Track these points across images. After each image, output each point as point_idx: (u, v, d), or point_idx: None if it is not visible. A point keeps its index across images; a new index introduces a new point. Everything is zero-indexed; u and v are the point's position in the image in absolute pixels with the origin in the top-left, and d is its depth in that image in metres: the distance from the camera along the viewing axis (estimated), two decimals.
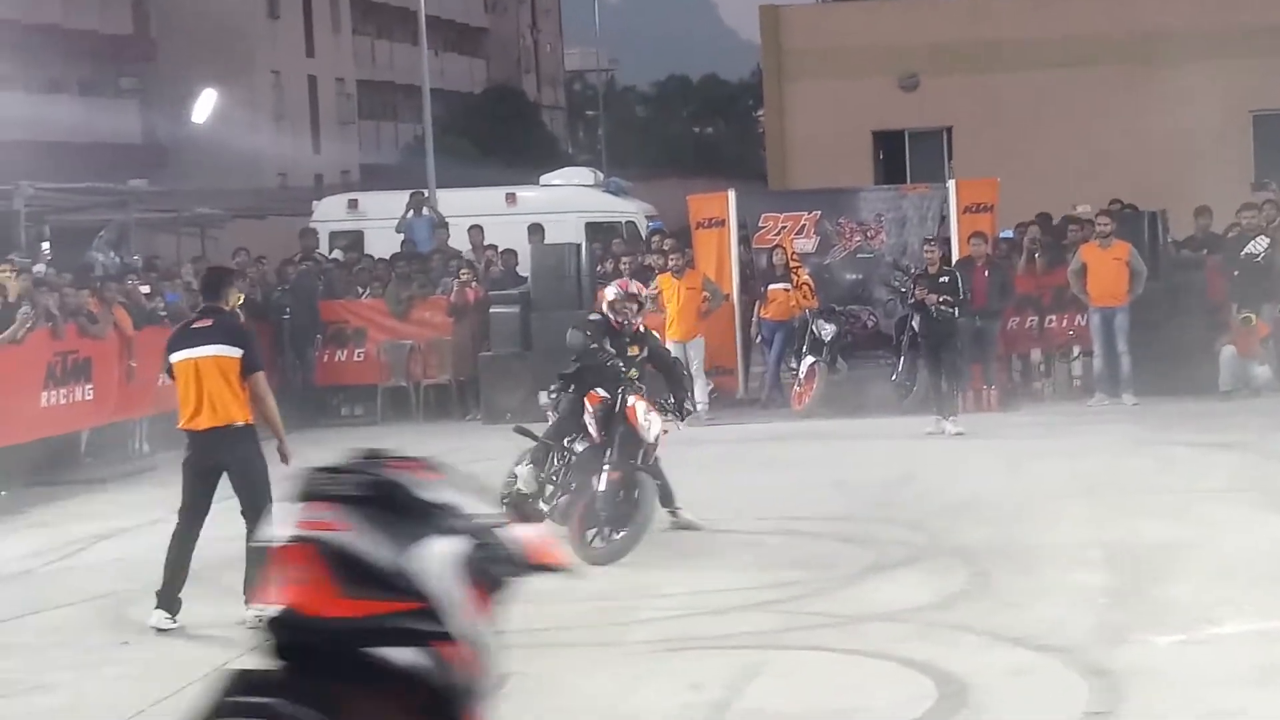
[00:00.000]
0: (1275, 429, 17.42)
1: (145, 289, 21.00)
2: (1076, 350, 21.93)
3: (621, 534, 12.18)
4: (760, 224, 22.55)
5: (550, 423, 13.44)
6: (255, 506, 10.69)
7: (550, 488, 12.98)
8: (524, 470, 13.06)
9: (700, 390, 20.77)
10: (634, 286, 13.91)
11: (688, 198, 23.52)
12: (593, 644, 10.15)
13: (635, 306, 13.41)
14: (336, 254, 25.69)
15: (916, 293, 19.62)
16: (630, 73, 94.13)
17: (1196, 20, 30.53)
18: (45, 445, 18.41)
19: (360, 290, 23.57)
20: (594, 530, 12.27)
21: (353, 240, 26.48)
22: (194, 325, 11.47)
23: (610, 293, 13.50)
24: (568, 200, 28.24)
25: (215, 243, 29.18)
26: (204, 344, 11.14)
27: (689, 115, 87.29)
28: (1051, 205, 24.10)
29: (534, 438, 13.32)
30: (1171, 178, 27.03)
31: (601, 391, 12.66)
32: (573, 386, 13.05)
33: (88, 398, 18.78)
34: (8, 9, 45.14)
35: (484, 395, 22.05)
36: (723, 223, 22.38)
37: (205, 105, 39.01)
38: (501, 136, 53.38)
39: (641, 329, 13.45)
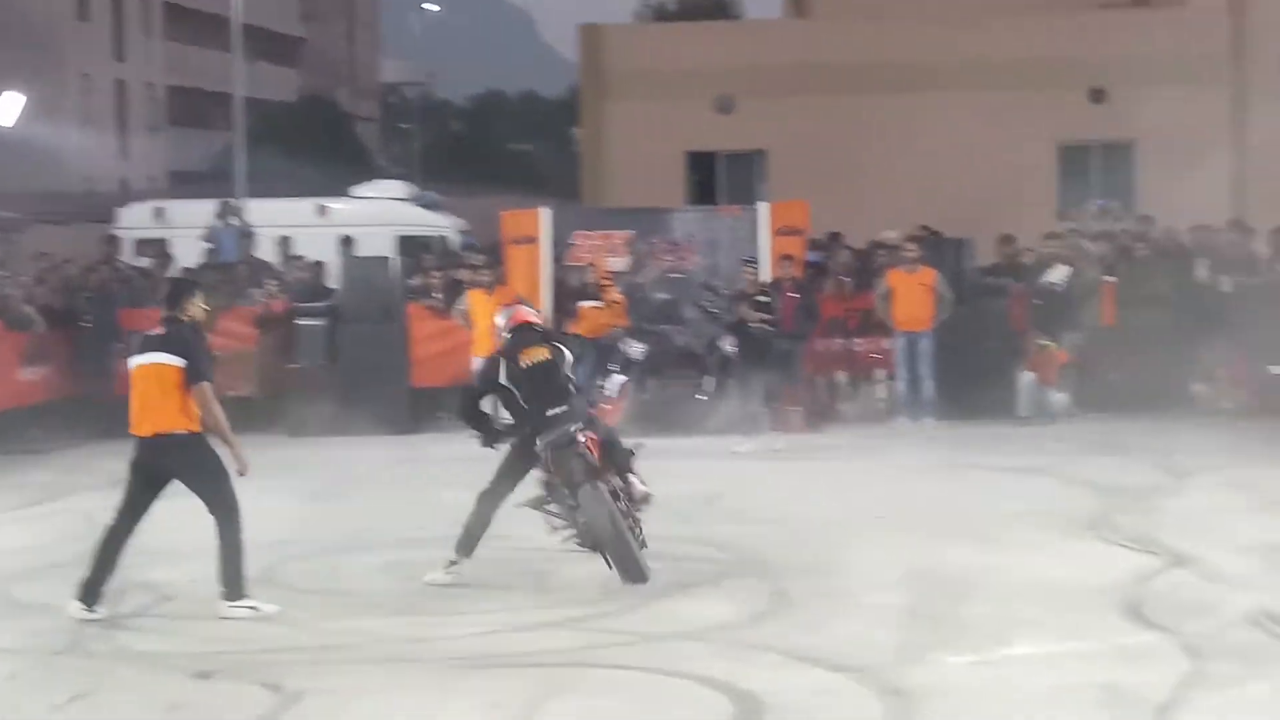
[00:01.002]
0: (1071, 454, 17.84)
1: None
2: (882, 374, 22.25)
3: None
4: (573, 242, 22.58)
5: None
6: (218, 505, 11.26)
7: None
8: None
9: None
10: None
11: (501, 214, 23.49)
12: (392, 660, 10.07)
13: None
14: (143, 262, 25.26)
15: (738, 311, 19.85)
16: (447, 87, 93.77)
17: (1006, 51, 31.17)
18: None
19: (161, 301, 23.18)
20: None
21: (158, 248, 26.07)
22: (149, 333, 11.64)
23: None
24: (380, 213, 28.09)
25: (15, 246, 28.57)
26: (150, 351, 11.36)
27: (506, 131, 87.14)
28: (862, 229, 24.46)
29: None
30: (979, 206, 27.56)
31: None
32: None
33: None
34: None
35: (290, 408, 21.83)
36: (535, 240, 22.37)
37: (11, 107, 38.17)
38: (314, 147, 52.87)
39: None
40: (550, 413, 11.99)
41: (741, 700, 8.90)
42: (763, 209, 22.67)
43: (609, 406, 20.98)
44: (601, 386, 21.26)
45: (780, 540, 13.37)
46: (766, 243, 21.91)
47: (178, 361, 11.28)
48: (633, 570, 11.74)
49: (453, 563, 12.04)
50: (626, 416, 20.75)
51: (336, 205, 28.25)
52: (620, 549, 11.76)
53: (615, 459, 12.11)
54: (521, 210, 23.34)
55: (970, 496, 15.56)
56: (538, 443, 11.96)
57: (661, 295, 22.25)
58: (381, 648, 10.38)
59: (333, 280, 23.15)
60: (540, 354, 12.23)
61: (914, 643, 10.05)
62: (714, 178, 32.81)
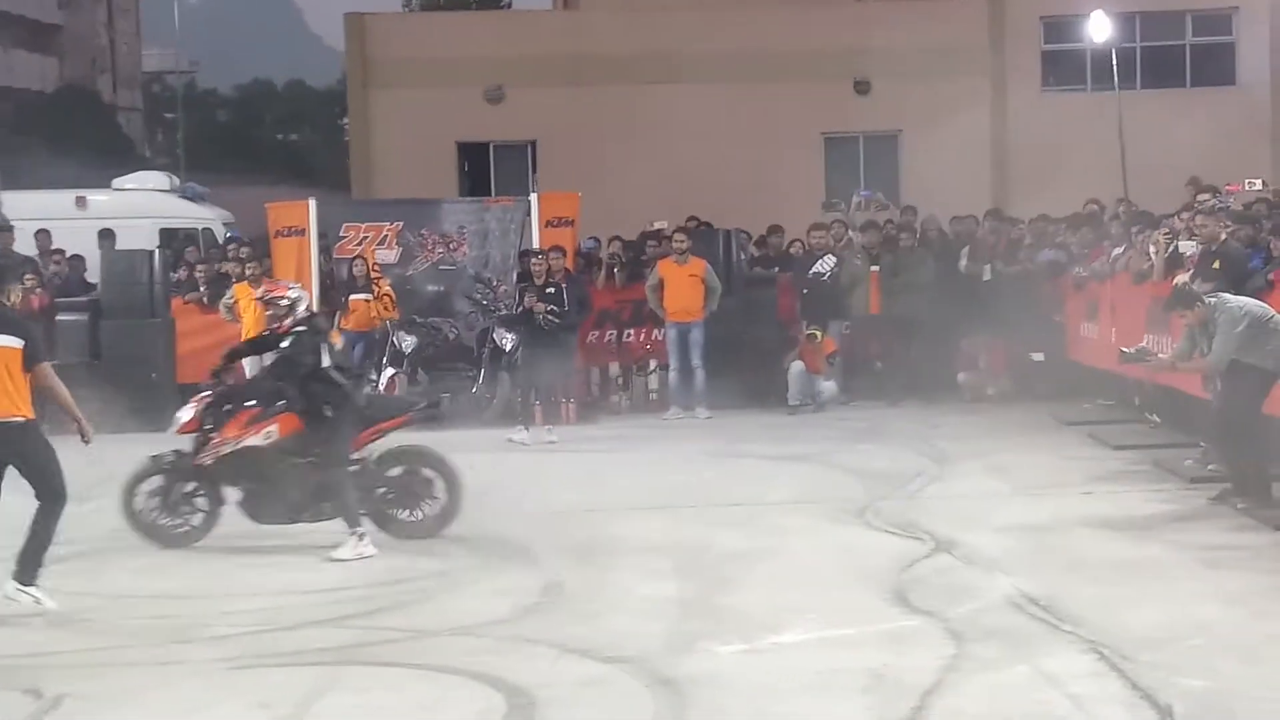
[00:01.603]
0: (839, 441, 18.13)
1: None
2: (653, 364, 22.41)
3: None
4: (342, 234, 22.37)
5: None
6: (46, 491, 11.22)
7: None
8: None
9: None
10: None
11: (266, 205, 23.18)
12: (155, 663, 9.89)
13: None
14: None
15: (525, 301, 19.80)
16: (212, 76, 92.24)
17: (772, 42, 31.57)
18: None
19: None
20: None
21: None
22: None
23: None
24: (141, 205, 27.58)
25: None
26: None
27: (273, 121, 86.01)
28: (632, 220, 24.59)
29: None
30: (747, 196, 27.92)
31: None
32: None
33: None
34: None
35: (50, 406, 21.27)
36: (303, 231, 22.13)
37: None
38: (74, 138, 51.63)
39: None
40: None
41: (515, 694, 8.89)
42: (534, 200, 22.69)
43: None
44: (373, 380, 21.10)
45: (552, 532, 13.39)
46: (537, 233, 21.92)
47: (17, 343, 11.12)
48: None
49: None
50: None
51: (96, 197, 27.67)
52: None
53: None
54: (288, 202, 23.09)
55: (740, 484, 15.74)
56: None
57: (432, 287, 22.16)
58: (146, 650, 10.19)
59: (93, 274, 22.65)
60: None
61: (684, 632, 10.14)
62: (486, 169, 32.74)
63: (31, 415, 11.30)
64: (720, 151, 30.86)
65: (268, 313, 13.31)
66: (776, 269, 22.78)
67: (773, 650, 9.72)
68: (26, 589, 11.12)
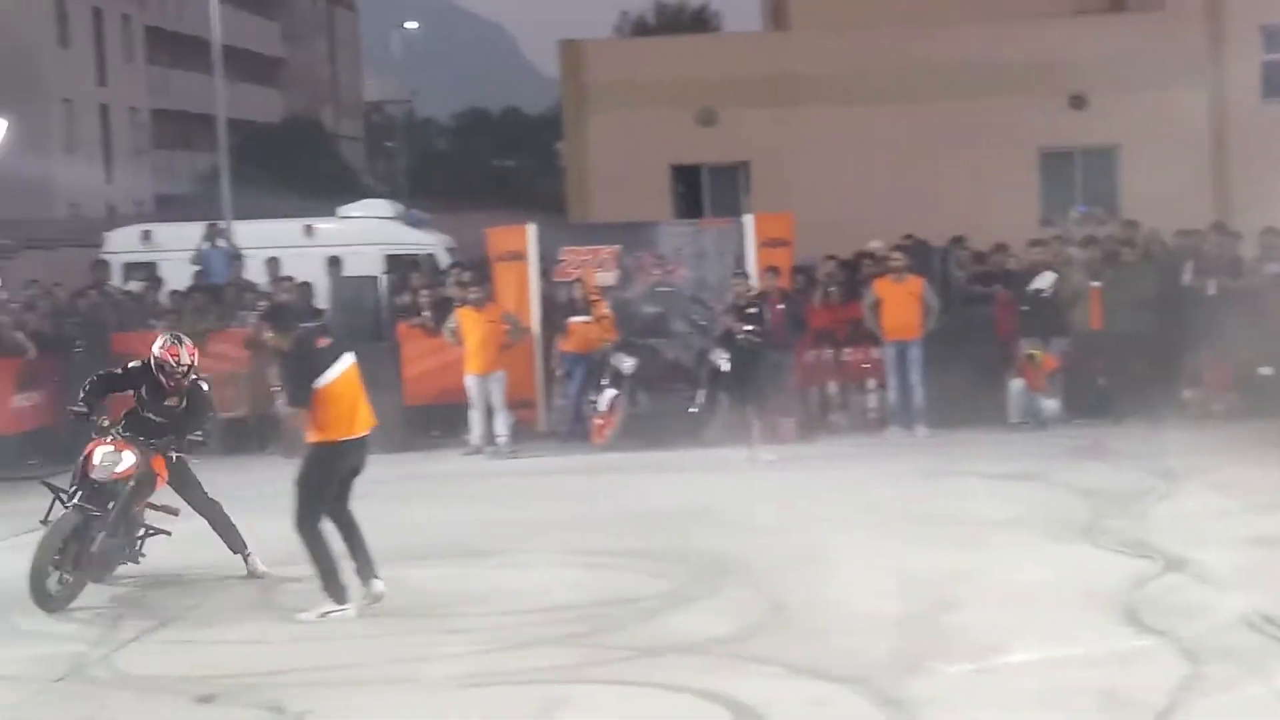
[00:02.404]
0: (1061, 460, 17.86)
1: None
2: (872, 383, 22.29)
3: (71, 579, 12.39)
4: (560, 257, 22.60)
5: None
6: None
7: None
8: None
9: (501, 424, 20.78)
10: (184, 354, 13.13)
11: (487, 231, 23.50)
12: (389, 680, 10.07)
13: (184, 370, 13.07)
14: (132, 285, 25.25)
15: (725, 323, 19.91)
16: (430, 104, 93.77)
17: (985, 58, 31.23)
18: None
19: (154, 323, 23.16)
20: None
21: (147, 271, 26.04)
22: (323, 346, 12.37)
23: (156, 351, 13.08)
24: (367, 232, 28.08)
25: (3, 273, 28.54)
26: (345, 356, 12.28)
27: (489, 148, 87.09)
28: (847, 239, 24.47)
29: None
30: (962, 213, 27.63)
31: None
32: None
33: None
34: None
35: (284, 429, 21.80)
36: (523, 256, 22.40)
37: None
38: (299, 167, 52.89)
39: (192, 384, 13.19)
40: None
41: (741, 713, 8.91)
42: (749, 221, 22.72)
43: (599, 421, 21.04)
44: (593, 402, 21.29)
45: (773, 551, 13.36)
46: (753, 254, 21.96)
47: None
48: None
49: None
50: (618, 431, 20.82)
51: (324, 225, 28.23)
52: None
53: None
54: (508, 227, 23.36)
55: (963, 503, 15.56)
56: None
57: (650, 309, 22.27)
58: (381, 668, 10.37)
59: (321, 300, 23.13)
60: None
61: (910, 651, 10.06)
62: (699, 190, 32.81)
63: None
64: (934, 169, 30.60)
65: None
66: (996, 286, 22.52)
67: (1002, 670, 9.62)
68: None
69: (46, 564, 12.20)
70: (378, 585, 11.97)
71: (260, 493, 18.24)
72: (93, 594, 12.68)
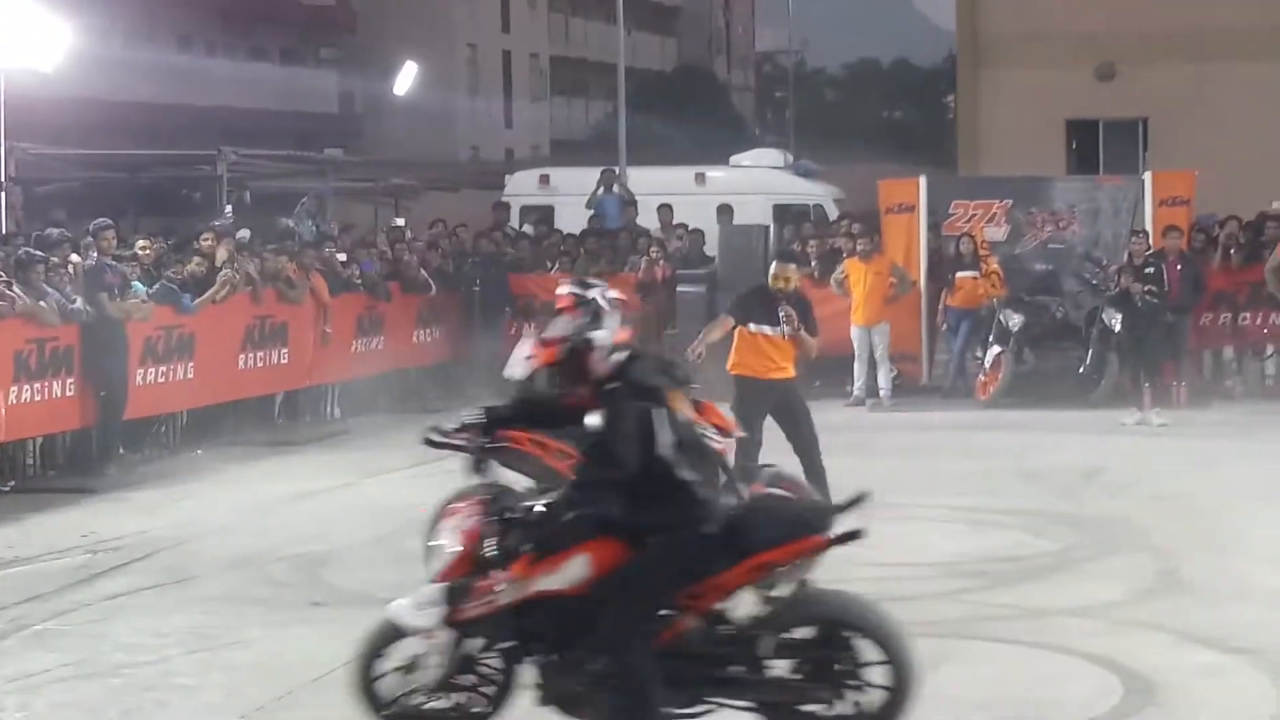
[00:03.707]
0: None
1: (342, 257, 21.34)
2: (1270, 349, 21.47)
3: None
4: (950, 211, 22.34)
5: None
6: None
7: None
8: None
9: (884, 377, 20.70)
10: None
11: (879, 182, 23.35)
12: None
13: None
14: (528, 228, 25.87)
15: (1121, 281, 19.44)
16: (820, 55, 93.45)
17: None
18: (241, 407, 18.81)
19: (549, 265, 23.71)
20: None
21: (543, 215, 26.64)
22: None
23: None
24: (756, 182, 28.20)
25: (409, 213, 29.55)
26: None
27: (878, 99, 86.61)
28: (1250, 200, 23.59)
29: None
30: None
31: None
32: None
33: (283, 361, 19.15)
34: None
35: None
36: (913, 208, 22.21)
37: (406, 77, 39.37)
38: (691, 116, 53.36)
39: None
40: None
41: (1131, 678, 8.71)
42: (1147, 179, 22.12)
43: (984, 378, 20.77)
44: (978, 358, 21.02)
45: (1165, 517, 13.02)
46: (1150, 213, 21.36)
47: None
48: None
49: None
50: (1002, 388, 20.52)
51: (715, 173, 28.44)
52: None
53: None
54: (899, 179, 23.19)
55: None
56: None
57: (1040, 266, 21.87)
58: None
59: (712, 247, 23.34)
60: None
61: None
62: (1094, 146, 32.06)
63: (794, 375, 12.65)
64: None
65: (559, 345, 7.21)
66: None
67: None
68: None
69: None
70: None
71: None
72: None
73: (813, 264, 22.14)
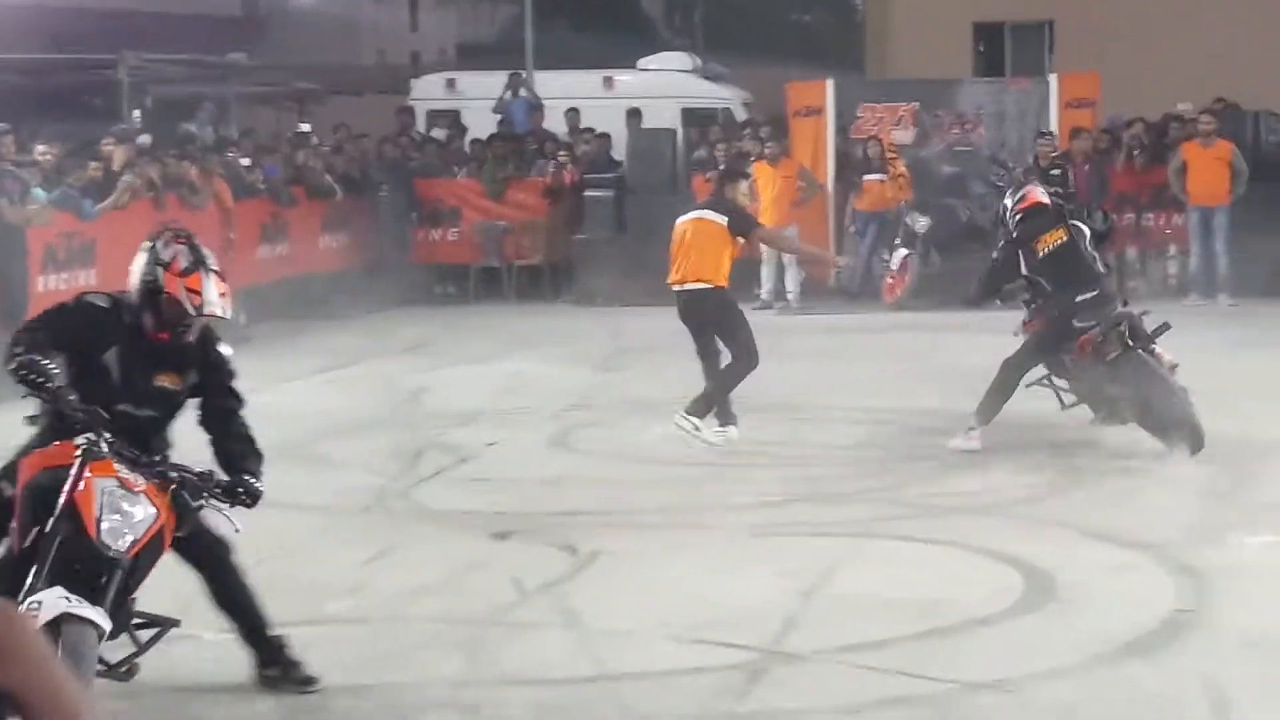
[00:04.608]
0: None
1: (245, 162, 21.12)
2: (1173, 249, 21.70)
3: None
4: (858, 114, 22.37)
5: None
6: (738, 347, 12.52)
7: None
8: None
9: (792, 279, 20.76)
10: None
11: (786, 85, 23.31)
12: (677, 525, 10.19)
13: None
14: (435, 132, 25.67)
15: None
16: None
17: None
18: None
19: (456, 170, 23.58)
20: None
21: (450, 119, 26.44)
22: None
23: (178, 258, 7.11)
24: (665, 85, 28.07)
25: (313, 118, 29.25)
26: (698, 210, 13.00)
27: (787, 2, 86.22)
28: (1154, 102, 23.72)
29: None
30: (1275, 77, 26.54)
31: (80, 441, 6.62)
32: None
33: None
34: None
35: (576, 278, 22.11)
36: (820, 111, 22.21)
37: None
38: (599, 19, 53.00)
39: (210, 343, 7.21)
40: (1080, 298, 11.80)
41: (1032, 574, 8.82)
42: (1053, 81, 22.20)
43: (891, 280, 20.88)
44: (885, 260, 21.11)
45: (1067, 415, 13.10)
46: (1056, 115, 21.47)
47: (721, 219, 12.61)
48: (1191, 431, 11.40)
49: (970, 429, 12.13)
50: (909, 290, 20.62)
51: (623, 77, 28.29)
52: (1181, 408, 11.45)
53: (1140, 335, 11.68)
54: (807, 82, 23.16)
55: (1268, 378, 15.10)
56: (1074, 324, 11.73)
57: (947, 169, 21.96)
58: (672, 514, 10.49)
59: (619, 152, 23.26)
60: (1058, 236, 12.10)
61: (1210, 522, 9.86)
62: (1001, 49, 32.10)
63: (723, 284, 12.55)
64: (1249, 29, 29.41)
65: None
66: None
67: None
68: (690, 418, 12.26)
69: None
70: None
71: (557, 339, 18.61)
72: (394, 431, 13.05)
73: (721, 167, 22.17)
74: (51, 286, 16.71)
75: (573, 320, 20.21)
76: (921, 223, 20.85)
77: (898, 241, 20.92)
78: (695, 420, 12.30)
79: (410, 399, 14.83)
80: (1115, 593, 8.58)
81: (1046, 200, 12.36)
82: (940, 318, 19.29)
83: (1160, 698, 7.08)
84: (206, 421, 7.18)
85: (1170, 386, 11.52)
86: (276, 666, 7.10)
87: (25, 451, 6.78)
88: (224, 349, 7.21)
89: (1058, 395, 12.27)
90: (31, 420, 6.89)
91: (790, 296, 20.71)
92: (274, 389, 15.26)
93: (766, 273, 20.86)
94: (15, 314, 16.01)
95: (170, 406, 7.02)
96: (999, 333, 17.85)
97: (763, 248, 20.67)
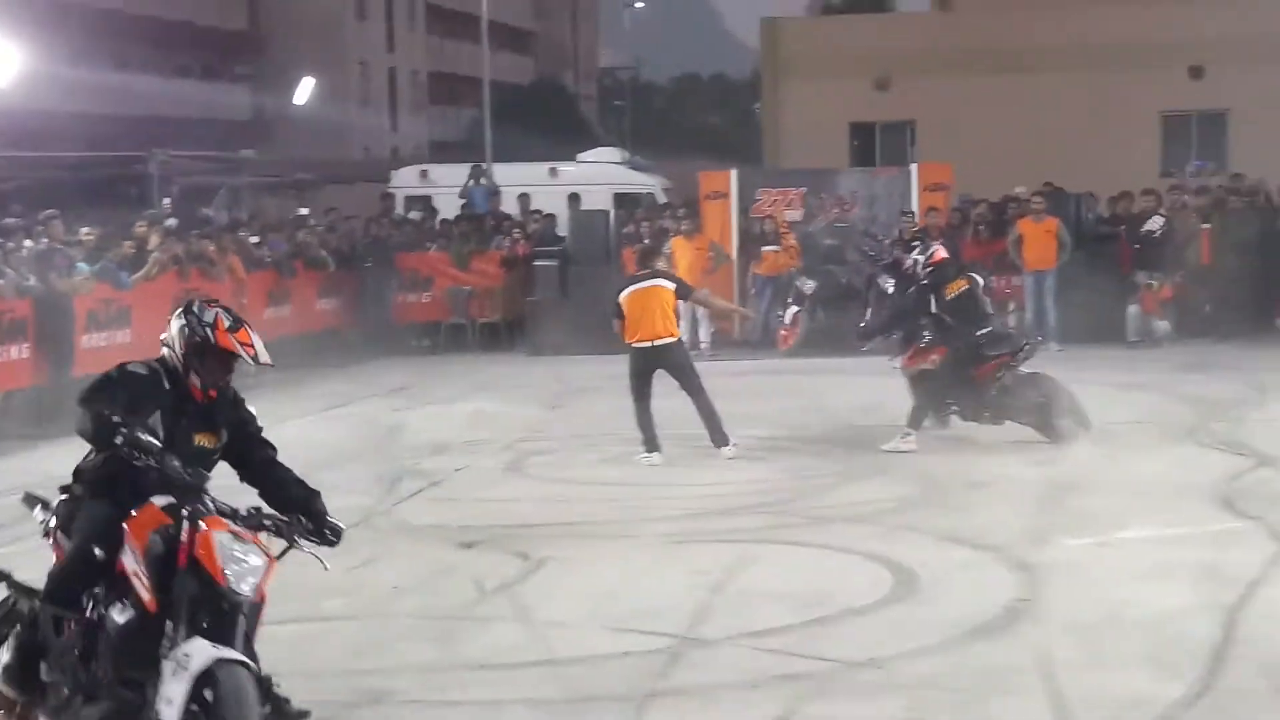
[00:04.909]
0: (1172, 373, 17.42)
1: (254, 239, 21.04)
2: (1012, 305, 21.88)
3: None
4: (756, 196, 22.50)
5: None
6: (695, 389, 12.81)
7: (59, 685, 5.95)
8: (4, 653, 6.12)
9: (705, 332, 20.86)
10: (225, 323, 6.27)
11: (699, 174, 23.42)
12: (613, 536, 10.21)
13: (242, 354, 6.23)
14: (411, 214, 25.64)
15: (893, 253, 19.60)
16: (651, 70, 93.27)
17: (1116, 34, 30.35)
18: None
19: (429, 245, 23.56)
20: None
21: (423, 203, 26.41)
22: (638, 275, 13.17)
23: (220, 318, 6.28)
24: (600, 174, 28.12)
25: (311, 203, 29.16)
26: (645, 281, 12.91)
27: (698, 107, 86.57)
28: (996, 186, 23.98)
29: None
30: (1094, 165, 26.90)
31: (159, 502, 5.88)
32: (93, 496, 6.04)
33: None
34: (147, 5, 45.04)
35: (529, 333, 22.13)
36: (726, 195, 22.32)
37: (305, 90, 38.98)
38: (546, 121, 53.04)
39: (233, 394, 6.33)
40: (980, 332, 12.58)
41: (899, 572, 8.89)
42: (914, 170, 22.42)
43: (785, 332, 20.98)
44: (780, 316, 21.22)
45: (929, 440, 13.20)
46: (917, 198, 21.67)
47: (670, 285, 12.85)
48: (1082, 416, 12.36)
49: (906, 434, 12.60)
50: (800, 340, 20.74)
51: (565, 168, 28.33)
52: (1071, 400, 12.40)
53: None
54: (715, 171, 23.28)
55: (1089, 407, 15.22)
56: (985, 352, 12.50)
57: (829, 241, 22.07)
58: (608, 526, 10.51)
59: (563, 229, 23.30)
60: (961, 285, 12.67)
61: (1041, 527, 9.95)
62: (872, 144, 32.41)
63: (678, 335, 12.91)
64: (1071, 128, 29.80)
65: None
66: (1123, 227, 21.93)
67: (1117, 544, 9.48)
68: (726, 446, 12.57)
69: None
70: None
71: (513, 383, 18.58)
72: (377, 460, 13.00)
73: (647, 241, 22.24)
74: (94, 344, 16.60)
75: (526, 368, 20.20)
76: (809, 285, 20.99)
77: (790, 300, 21.04)
78: (729, 446, 12.58)
79: (391, 433, 14.77)
80: (965, 585, 8.66)
81: (948, 255, 12.96)
82: (826, 363, 19.39)
83: (1002, 669, 7.16)
84: (252, 475, 6.26)
85: (1062, 387, 12.46)
86: (267, 703, 5.80)
87: (78, 505, 6.00)
88: (251, 408, 6.37)
89: (938, 419, 12.65)
90: (64, 490, 6.09)
91: (703, 345, 20.76)
92: (278, 426, 15.11)
93: (684, 326, 20.87)
94: (63, 366, 15.92)
95: (208, 465, 6.12)
96: (874, 374, 18.06)
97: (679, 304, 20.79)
